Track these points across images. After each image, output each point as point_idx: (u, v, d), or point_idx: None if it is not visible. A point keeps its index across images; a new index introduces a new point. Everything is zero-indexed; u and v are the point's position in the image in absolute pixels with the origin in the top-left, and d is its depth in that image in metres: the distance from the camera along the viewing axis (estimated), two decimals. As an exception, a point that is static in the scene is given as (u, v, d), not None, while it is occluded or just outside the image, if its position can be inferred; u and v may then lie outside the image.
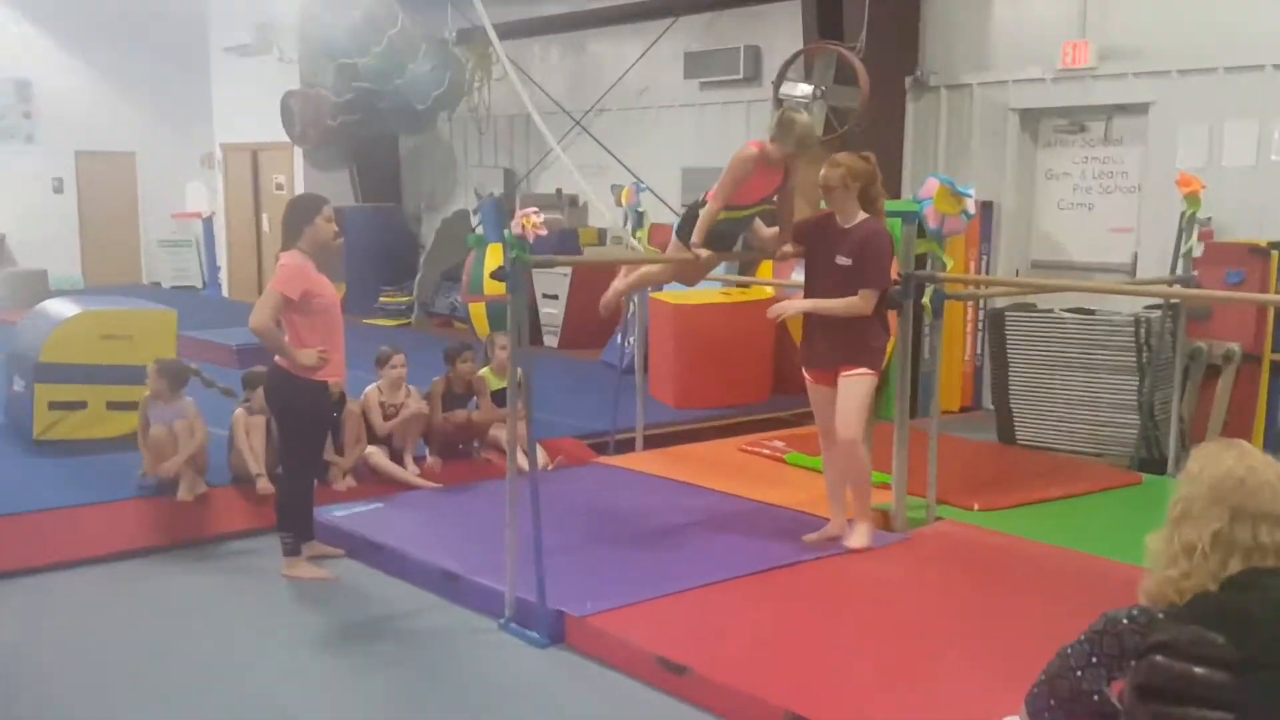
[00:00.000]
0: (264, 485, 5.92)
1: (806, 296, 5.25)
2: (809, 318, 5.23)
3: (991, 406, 8.16)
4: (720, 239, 5.28)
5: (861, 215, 5.07)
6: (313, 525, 5.47)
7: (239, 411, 6.11)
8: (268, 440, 6.02)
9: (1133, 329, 7.21)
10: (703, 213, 5.19)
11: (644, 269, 5.76)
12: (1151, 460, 7.08)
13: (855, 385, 5.11)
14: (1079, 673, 2.15)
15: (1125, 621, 2.14)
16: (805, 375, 5.28)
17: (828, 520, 5.41)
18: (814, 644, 4.23)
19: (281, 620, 4.84)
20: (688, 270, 5.52)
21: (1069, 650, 2.20)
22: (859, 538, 5.21)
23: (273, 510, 5.40)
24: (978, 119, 9.23)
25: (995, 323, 7.82)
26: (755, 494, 6.16)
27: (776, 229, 5.34)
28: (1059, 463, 7.07)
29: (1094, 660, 2.13)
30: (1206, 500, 2.12)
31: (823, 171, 5.04)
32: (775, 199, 5.24)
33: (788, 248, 5.32)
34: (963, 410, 9.09)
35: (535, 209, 4.49)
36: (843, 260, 5.03)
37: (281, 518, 5.31)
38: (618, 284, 5.72)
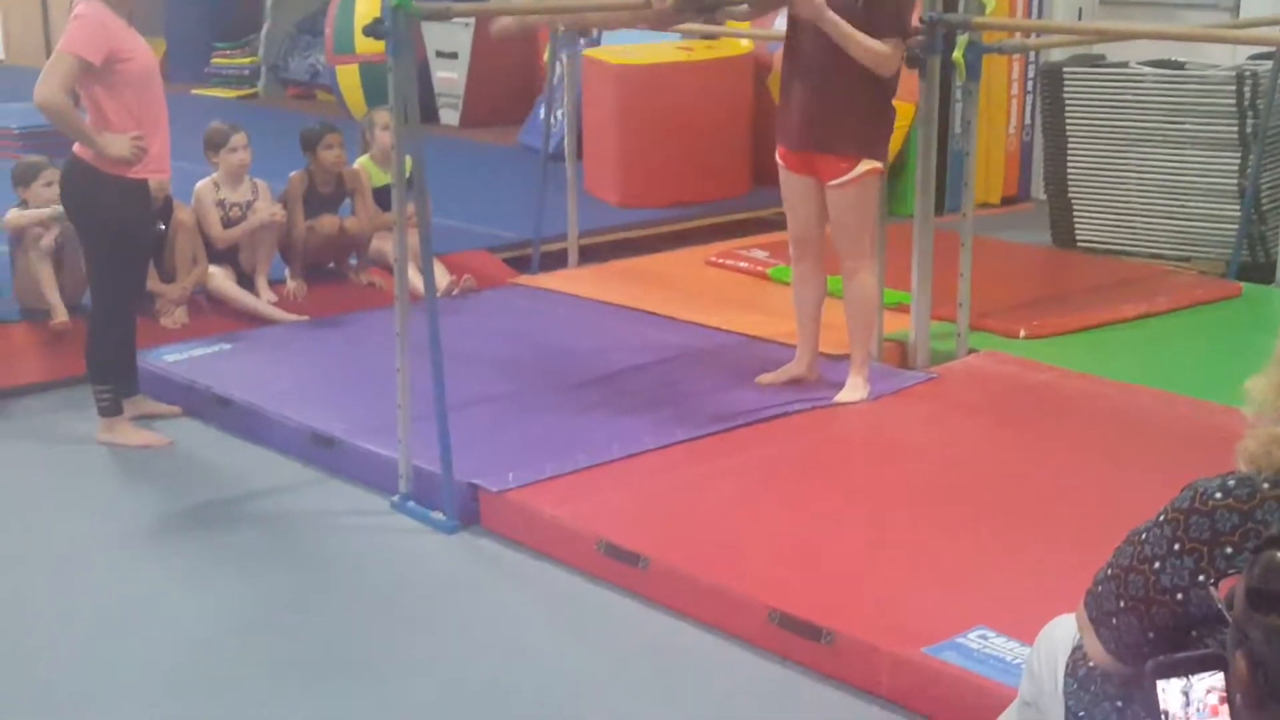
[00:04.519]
0: (61, 319, 5.87)
1: (786, 55, 5.17)
2: (789, 72, 5.16)
3: (1044, 197, 8.19)
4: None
5: None
6: (136, 375, 5.46)
7: (12, 213, 6.00)
8: (60, 260, 5.95)
9: (1234, 88, 7.21)
10: None
11: None
12: (1255, 265, 7.17)
13: (854, 195, 5.08)
14: (1157, 564, 2.18)
15: (1219, 495, 2.16)
16: (778, 154, 5.26)
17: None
18: (806, 524, 4.30)
19: (102, 503, 4.84)
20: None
21: (1143, 534, 2.23)
22: (852, 390, 5.27)
23: (80, 356, 5.35)
24: None
25: (1050, 83, 7.78)
26: (728, 323, 6.19)
27: None
28: (1132, 271, 7.13)
29: (1176, 547, 2.16)
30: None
31: None
32: None
33: None
34: (1006, 203, 9.12)
35: (422, -63, 4.36)
36: None
37: (93, 366, 5.28)
38: None
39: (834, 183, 5.09)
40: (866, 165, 5.07)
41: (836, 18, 4.90)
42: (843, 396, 5.25)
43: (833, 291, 5.41)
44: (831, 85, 5.01)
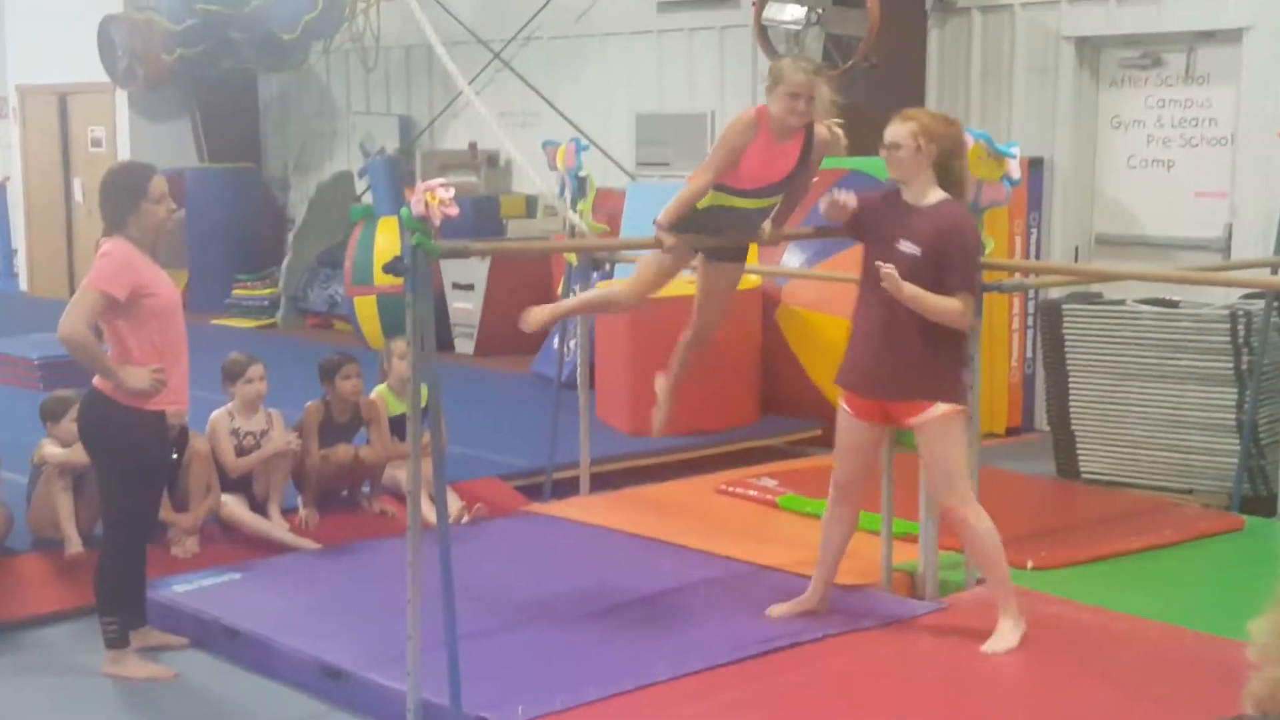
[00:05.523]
0: (76, 550, 5.84)
1: (860, 302, 5.16)
2: (863, 320, 5.14)
3: (1047, 428, 8.19)
4: (706, 229, 5.24)
5: (939, 194, 5.04)
6: (144, 606, 5.41)
7: (50, 448, 6.01)
8: (79, 490, 5.93)
9: (1228, 326, 7.26)
10: (680, 192, 5.16)
11: (598, 291, 5.77)
12: (1257, 498, 7.13)
13: (938, 432, 5.00)
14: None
15: (1233, 741, 2.12)
16: (842, 400, 5.22)
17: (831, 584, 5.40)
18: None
19: (104, 736, 4.75)
20: (662, 277, 5.44)
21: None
22: (1003, 637, 5.05)
23: (90, 586, 5.31)
24: (1021, 51, 9.28)
25: (1049, 320, 7.85)
26: (738, 552, 6.13)
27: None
28: (1136, 503, 7.10)
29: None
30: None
31: (889, 128, 5.02)
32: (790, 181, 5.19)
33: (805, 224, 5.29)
34: (1010, 434, 9.15)
35: (443, 182, 4.44)
36: (908, 247, 4.96)
37: (102, 596, 5.23)
38: (562, 304, 5.76)
39: (914, 422, 5.04)
40: (945, 406, 5.02)
41: (915, 291, 4.90)
42: (992, 646, 5.01)
43: (863, 526, 5.38)
44: (907, 334, 4.99)
